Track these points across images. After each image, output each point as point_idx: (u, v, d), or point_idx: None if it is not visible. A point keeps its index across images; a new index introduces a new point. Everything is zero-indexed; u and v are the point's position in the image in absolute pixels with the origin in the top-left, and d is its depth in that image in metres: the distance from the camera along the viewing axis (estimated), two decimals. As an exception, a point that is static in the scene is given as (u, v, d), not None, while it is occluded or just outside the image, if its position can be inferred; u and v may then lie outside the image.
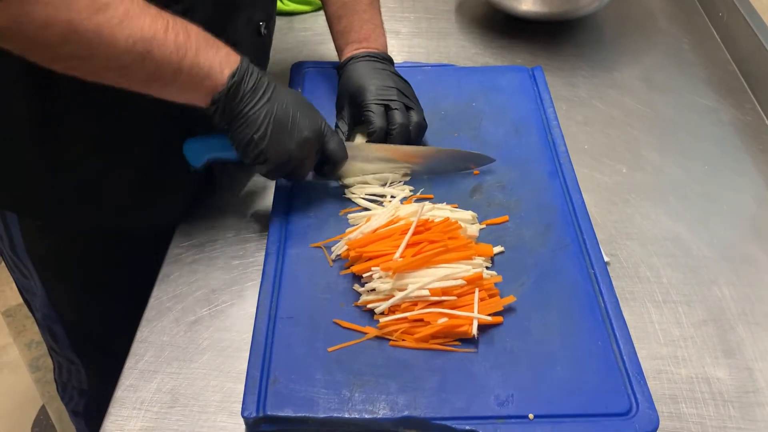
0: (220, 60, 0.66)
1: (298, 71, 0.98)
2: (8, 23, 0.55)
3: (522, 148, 0.86)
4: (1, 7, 0.54)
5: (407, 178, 0.82)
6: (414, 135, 0.82)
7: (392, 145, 0.80)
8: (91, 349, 0.99)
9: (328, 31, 1.09)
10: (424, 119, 0.84)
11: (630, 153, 0.89)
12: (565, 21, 1.10)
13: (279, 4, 1.13)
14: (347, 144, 0.78)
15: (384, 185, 0.80)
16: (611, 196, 0.83)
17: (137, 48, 0.60)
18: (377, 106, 0.81)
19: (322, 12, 1.15)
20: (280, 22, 1.08)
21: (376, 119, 0.80)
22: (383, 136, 0.81)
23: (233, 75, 0.66)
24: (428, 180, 0.81)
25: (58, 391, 1.11)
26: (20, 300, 0.98)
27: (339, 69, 0.88)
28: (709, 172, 0.86)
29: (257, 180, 0.85)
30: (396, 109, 0.81)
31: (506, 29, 1.11)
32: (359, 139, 0.84)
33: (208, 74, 0.65)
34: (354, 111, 0.84)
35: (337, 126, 0.84)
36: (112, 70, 0.62)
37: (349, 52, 0.87)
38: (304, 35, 1.12)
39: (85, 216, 0.81)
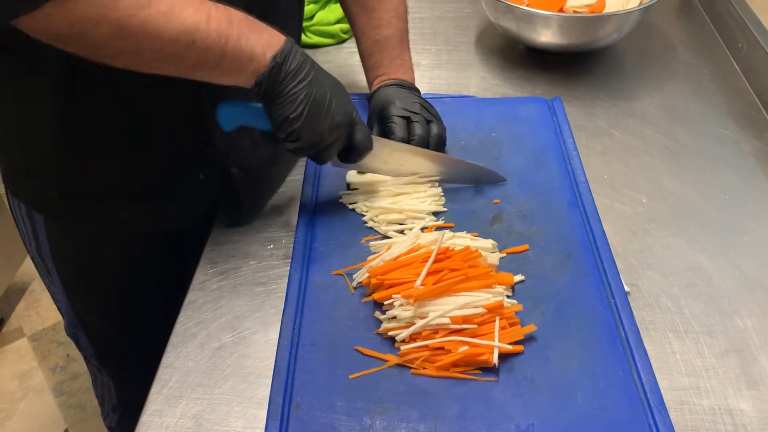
0: (263, 43, 0.69)
1: (321, 102, 1.00)
2: (62, 27, 0.59)
3: (542, 178, 0.87)
4: (54, 10, 0.57)
5: (423, 181, 0.85)
6: (433, 146, 0.87)
7: (410, 146, 0.84)
8: (113, 358, 1.04)
9: (350, 63, 1.12)
10: (444, 133, 0.88)
11: (650, 183, 0.89)
12: (585, 52, 1.11)
13: (303, 37, 1.16)
14: (375, 138, 0.81)
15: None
16: (631, 226, 0.83)
17: (182, 39, 0.63)
18: (399, 118, 0.86)
19: (344, 45, 1.19)
20: (303, 54, 1.10)
21: (398, 129, 0.85)
22: None
23: (275, 56, 0.69)
24: (449, 209, 0.83)
25: (100, 407, 1.17)
26: (45, 325, 1.01)
27: (369, 97, 0.93)
28: (730, 202, 0.86)
29: (280, 206, 0.86)
30: (416, 121, 0.86)
31: (526, 61, 1.13)
32: None
33: (251, 57, 0.68)
34: (381, 127, 0.88)
35: None
36: (160, 60, 0.65)
37: (378, 83, 0.92)
38: (327, 67, 1.12)
39: (105, 216, 0.85)
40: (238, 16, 0.68)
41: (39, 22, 0.59)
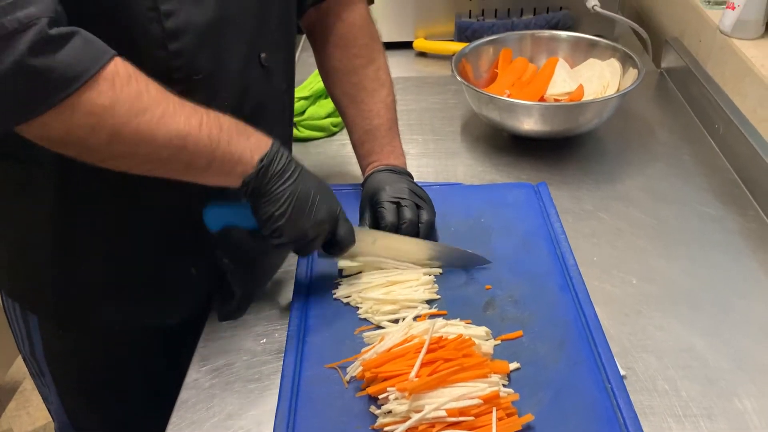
0: (250, 146, 0.72)
1: (313, 194, 1.02)
2: (60, 133, 0.61)
3: (532, 263, 0.88)
4: (52, 118, 0.60)
5: (413, 267, 0.86)
6: (423, 232, 0.88)
7: (394, 234, 0.86)
8: None
9: (342, 154, 1.15)
10: (434, 218, 0.90)
11: (639, 264, 0.90)
12: (567, 137, 1.15)
13: (295, 132, 1.19)
14: (356, 228, 0.83)
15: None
16: (623, 308, 0.83)
17: (174, 143, 0.66)
18: (389, 203, 0.88)
19: (334, 137, 1.23)
20: (296, 147, 1.14)
21: (388, 215, 0.87)
22: (394, 232, 0.86)
23: (262, 159, 0.72)
24: (442, 296, 0.83)
25: None
26: (36, 425, 0.99)
27: (363, 184, 0.95)
28: (718, 281, 0.87)
29: (273, 298, 0.87)
30: (406, 206, 0.88)
31: (510, 147, 1.16)
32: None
33: (239, 160, 0.71)
34: (372, 212, 0.90)
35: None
36: (153, 163, 0.67)
37: (371, 169, 0.95)
38: (319, 159, 1.17)
39: (99, 313, 0.86)
40: (227, 121, 0.71)
41: (37, 128, 0.61)
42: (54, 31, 0.58)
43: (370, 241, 0.85)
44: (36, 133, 0.62)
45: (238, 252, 0.85)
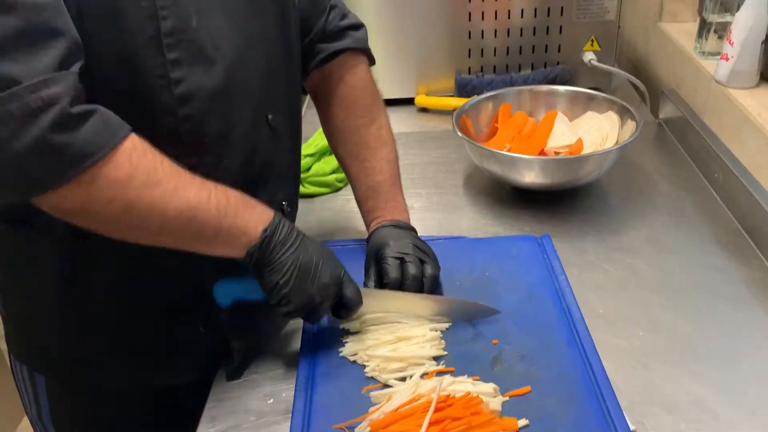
0: (255, 218, 0.74)
1: (319, 250, 1.03)
2: (76, 204, 0.63)
3: (538, 316, 0.88)
4: (70, 191, 0.62)
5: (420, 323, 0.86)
6: (428, 286, 0.88)
7: (400, 292, 0.86)
8: None
9: (347, 209, 1.17)
10: (438, 272, 0.90)
11: (645, 315, 0.90)
12: (569, 189, 1.16)
13: (301, 188, 1.21)
14: (363, 290, 0.83)
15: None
16: (630, 361, 0.83)
17: (185, 215, 0.68)
18: (393, 259, 0.88)
19: (340, 193, 1.25)
20: (301, 203, 1.15)
21: (392, 271, 0.87)
22: (398, 288, 0.87)
23: (266, 230, 0.74)
24: (449, 352, 0.83)
25: None
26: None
27: (367, 239, 0.96)
28: (725, 332, 0.87)
29: (280, 356, 0.87)
30: (410, 261, 0.88)
31: (513, 200, 1.18)
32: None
33: (244, 232, 0.73)
34: (376, 268, 0.90)
35: (365, 285, 0.90)
36: (162, 234, 0.69)
37: (375, 225, 0.96)
38: (324, 214, 1.19)
39: (107, 373, 0.87)
40: (234, 194, 0.73)
41: (54, 200, 0.63)
42: (75, 109, 0.61)
43: (378, 301, 0.85)
44: (53, 204, 0.64)
45: (245, 311, 0.86)
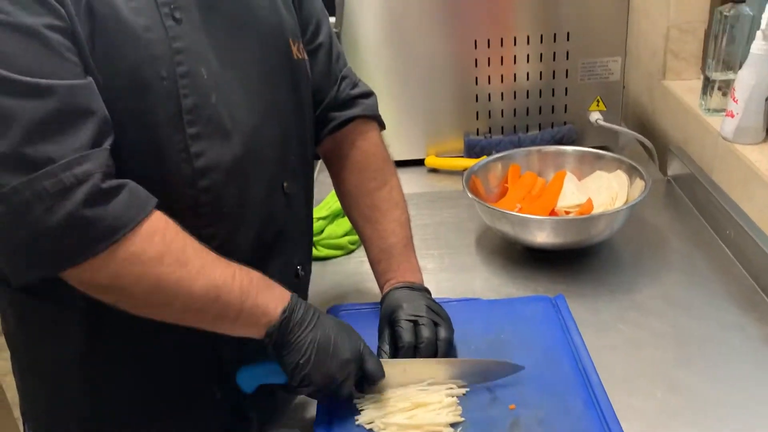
0: (274, 299, 0.75)
1: (334, 314, 1.04)
2: (105, 279, 0.65)
3: (555, 378, 0.88)
4: (100, 265, 0.64)
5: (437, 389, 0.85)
6: (442, 350, 0.88)
7: (422, 359, 0.86)
8: None
9: (360, 271, 1.18)
10: (452, 335, 0.90)
11: (662, 375, 0.90)
12: (581, 248, 1.17)
13: (314, 251, 1.22)
14: (384, 361, 0.83)
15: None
16: (650, 423, 0.82)
17: (209, 294, 0.69)
18: (407, 322, 0.88)
19: (352, 255, 1.26)
20: (315, 266, 1.16)
21: (406, 334, 0.87)
22: (412, 351, 0.87)
23: (285, 310, 0.75)
24: (466, 419, 0.82)
25: None
26: None
27: (381, 301, 0.96)
28: (745, 391, 0.86)
29: (295, 426, 0.87)
30: (423, 324, 0.88)
31: (525, 259, 1.18)
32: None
33: (264, 312, 0.74)
34: (390, 331, 0.90)
35: (380, 349, 0.90)
36: (186, 313, 0.70)
37: (388, 287, 0.96)
38: (337, 277, 1.20)
39: None
40: (255, 275, 0.75)
41: (85, 274, 0.64)
42: (106, 184, 0.63)
43: (400, 371, 0.85)
44: (83, 278, 0.65)
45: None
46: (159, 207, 0.69)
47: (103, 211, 0.63)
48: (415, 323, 0.89)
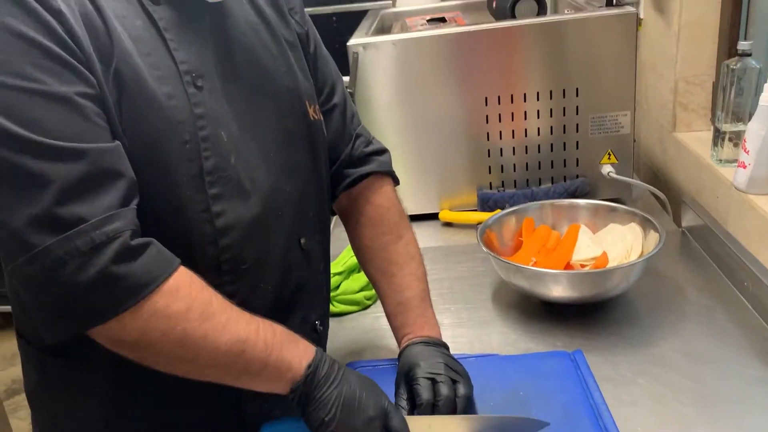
0: (299, 353, 0.75)
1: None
2: (132, 335, 0.66)
3: (575, 435, 0.87)
4: (128, 321, 0.65)
5: None
6: (461, 407, 0.87)
7: (447, 416, 0.84)
8: None
9: (376, 327, 1.17)
10: (471, 392, 0.89)
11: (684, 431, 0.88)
12: (597, 302, 1.16)
13: (330, 307, 1.22)
14: (408, 417, 0.82)
15: None
16: (675, 482, 0.81)
17: (234, 349, 0.70)
18: (424, 380, 0.87)
19: (368, 311, 1.26)
20: (331, 322, 1.16)
21: (424, 392, 0.86)
22: (430, 409, 0.85)
23: (309, 365, 0.75)
24: (485, 477, 0.81)
25: None
26: None
27: (399, 356, 0.96)
28: (771, 448, 0.84)
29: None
30: (442, 382, 0.87)
31: (542, 313, 1.18)
32: None
33: (289, 367, 0.74)
34: (408, 389, 0.89)
35: (397, 404, 0.88)
36: (211, 368, 0.71)
37: (406, 342, 0.96)
38: (354, 333, 1.20)
39: None
40: (279, 329, 0.76)
41: (113, 331, 0.66)
42: (134, 242, 0.65)
43: (425, 426, 0.84)
44: (111, 335, 0.66)
45: None
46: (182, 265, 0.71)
47: (132, 267, 0.65)
48: (433, 380, 0.88)
